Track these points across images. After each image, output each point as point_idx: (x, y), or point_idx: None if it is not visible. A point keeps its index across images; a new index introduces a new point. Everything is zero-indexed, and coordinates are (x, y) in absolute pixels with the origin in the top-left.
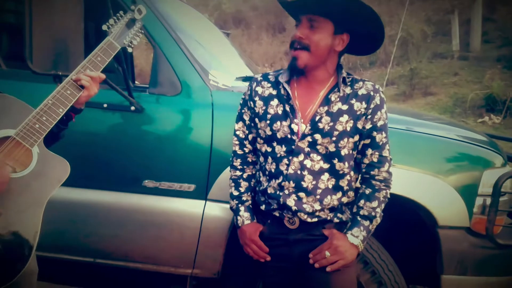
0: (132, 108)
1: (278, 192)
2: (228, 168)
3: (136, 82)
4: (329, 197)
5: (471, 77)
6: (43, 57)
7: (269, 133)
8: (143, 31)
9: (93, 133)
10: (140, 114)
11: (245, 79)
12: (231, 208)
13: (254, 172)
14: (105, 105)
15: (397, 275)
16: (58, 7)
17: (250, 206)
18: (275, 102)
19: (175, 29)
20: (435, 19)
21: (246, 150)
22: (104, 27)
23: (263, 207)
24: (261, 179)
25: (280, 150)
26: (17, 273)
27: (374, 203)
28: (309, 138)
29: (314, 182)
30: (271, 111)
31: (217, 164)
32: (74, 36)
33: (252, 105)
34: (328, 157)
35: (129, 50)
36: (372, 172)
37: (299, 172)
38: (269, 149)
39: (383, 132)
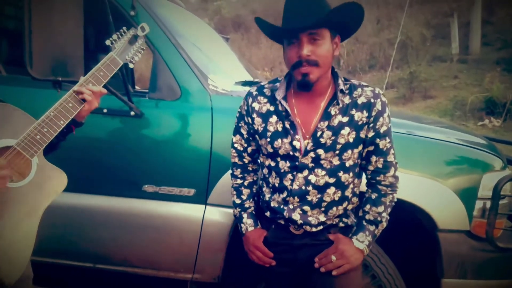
0: (132, 113)
1: (282, 206)
2: (228, 172)
3: (136, 87)
4: (334, 208)
5: (470, 80)
6: (42, 63)
7: (270, 150)
8: (144, 48)
9: (93, 138)
10: (139, 119)
11: (245, 83)
12: (234, 216)
13: (255, 178)
14: (104, 110)
15: (397, 279)
16: (58, 13)
17: (253, 212)
18: (274, 119)
19: (174, 34)
20: (434, 22)
21: (246, 161)
22: (108, 42)
23: (268, 214)
24: (264, 189)
25: (284, 165)
26: (12, 281)
27: (380, 208)
28: (312, 154)
29: (319, 196)
30: (271, 128)
31: (217, 168)
32: (74, 42)
33: (250, 122)
34: (333, 171)
35: (131, 66)
36: (378, 178)
37: (303, 187)
38: (272, 164)
39: (387, 138)
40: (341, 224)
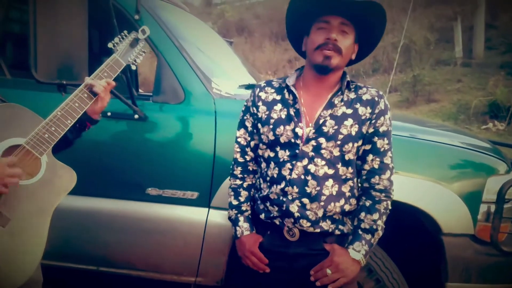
0: (136, 116)
1: (281, 198)
2: None
3: (140, 90)
4: (332, 204)
5: (474, 84)
6: (47, 66)
7: (272, 138)
8: (146, 51)
9: (97, 141)
10: (143, 122)
11: (248, 87)
12: (229, 218)
13: (254, 181)
14: (109, 114)
15: (401, 283)
16: (63, 16)
17: (250, 216)
18: (278, 106)
19: (178, 38)
20: (438, 26)
21: (248, 158)
22: (110, 45)
23: (262, 215)
24: (261, 186)
25: (284, 154)
26: (23, 281)
27: (375, 215)
28: (313, 142)
29: (318, 188)
30: (274, 115)
31: (220, 171)
32: (79, 45)
33: (255, 111)
34: (332, 162)
35: (133, 67)
36: (372, 180)
37: (302, 177)
38: (271, 154)
39: (385, 139)
40: (337, 232)
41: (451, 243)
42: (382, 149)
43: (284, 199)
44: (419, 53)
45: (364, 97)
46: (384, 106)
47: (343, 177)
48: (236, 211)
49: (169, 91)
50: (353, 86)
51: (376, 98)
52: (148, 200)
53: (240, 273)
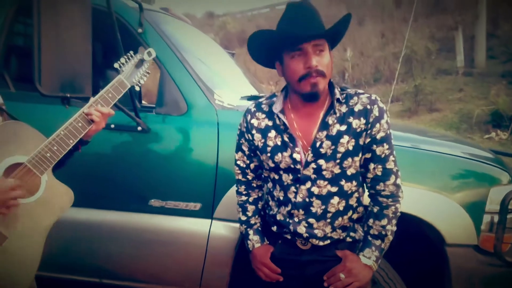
0: (139, 128)
1: (288, 220)
2: (234, 187)
3: (143, 102)
4: (340, 218)
5: (476, 93)
6: (51, 79)
7: (272, 165)
8: (150, 72)
9: (100, 154)
10: (146, 134)
11: (250, 98)
12: (241, 233)
13: (260, 194)
14: (112, 126)
15: None
16: (67, 29)
17: (259, 228)
18: (272, 133)
19: (180, 50)
20: (439, 36)
21: (249, 177)
22: (116, 65)
23: (274, 228)
24: (270, 203)
25: (287, 178)
26: None
27: (384, 221)
28: (313, 165)
29: (323, 207)
30: (270, 143)
31: (223, 182)
32: (82, 59)
33: (250, 138)
34: (334, 180)
35: (137, 88)
36: (377, 187)
37: (307, 199)
38: (276, 177)
39: (385, 144)
40: (348, 239)
41: (454, 254)
42: (382, 156)
43: (291, 221)
44: (421, 63)
45: (356, 108)
46: (379, 112)
47: (349, 192)
48: (245, 226)
49: (172, 103)
50: (344, 96)
51: (369, 106)
52: (151, 212)
53: (248, 283)
